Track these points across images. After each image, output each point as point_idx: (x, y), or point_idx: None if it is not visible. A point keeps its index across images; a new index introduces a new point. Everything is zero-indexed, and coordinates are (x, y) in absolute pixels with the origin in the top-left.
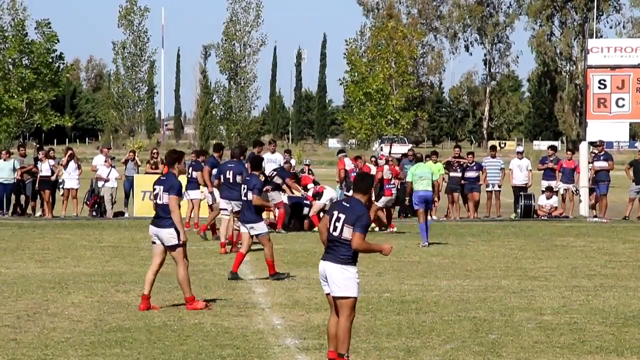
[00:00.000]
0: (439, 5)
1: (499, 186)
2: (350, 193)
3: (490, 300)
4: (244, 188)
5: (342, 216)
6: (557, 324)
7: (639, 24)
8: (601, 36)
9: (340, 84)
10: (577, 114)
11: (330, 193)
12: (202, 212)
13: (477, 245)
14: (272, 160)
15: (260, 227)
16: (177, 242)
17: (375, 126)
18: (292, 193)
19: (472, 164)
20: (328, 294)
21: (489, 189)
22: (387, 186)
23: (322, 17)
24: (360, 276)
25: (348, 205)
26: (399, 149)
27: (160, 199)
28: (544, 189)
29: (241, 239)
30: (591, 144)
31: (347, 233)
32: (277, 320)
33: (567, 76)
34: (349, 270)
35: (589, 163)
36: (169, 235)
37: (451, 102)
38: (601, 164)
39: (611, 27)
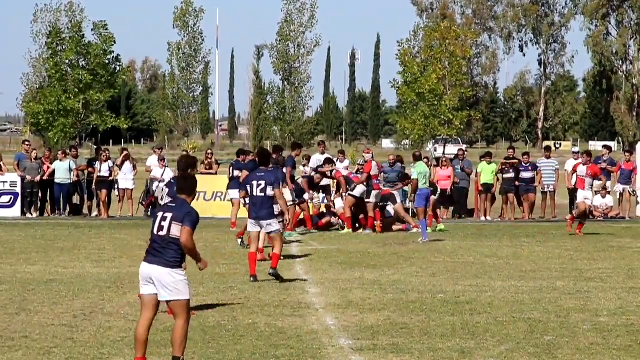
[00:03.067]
0: (493, 6)
1: (554, 187)
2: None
3: (546, 302)
4: (262, 183)
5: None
6: (614, 325)
7: None
8: None
9: (392, 86)
10: (634, 114)
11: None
12: (241, 212)
13: (532, 246)
14: (320, 161)
15: (277, 225)
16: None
17: (428, 127)
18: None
19: (527, 165)
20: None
21: (544, 189)
22: (374, 181)
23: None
24: (414, 277)
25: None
26: (453, 149)
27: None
28: (596, 190)
29: (251, 240)
30: None
31: (176, 230)
32: (330, 321)
33: (624, 76)
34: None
35: None
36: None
37: (505, 103)
38: None
39: None
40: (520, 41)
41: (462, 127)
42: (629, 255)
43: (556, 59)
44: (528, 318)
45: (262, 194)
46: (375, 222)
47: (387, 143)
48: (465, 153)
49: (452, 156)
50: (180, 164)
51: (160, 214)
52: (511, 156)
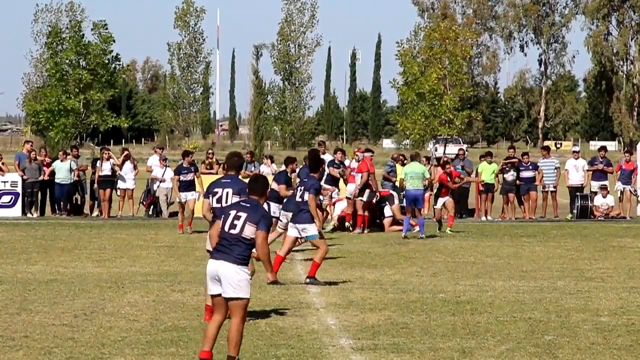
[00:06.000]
0: (494, 5)
1: (554, 186)
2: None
3: (546, 301)
4: (301, 189)
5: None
6: (614, 325)
7: None
8: None
9: (392, 86)
10: (634, 114)
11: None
12: None
13: (533, 246)
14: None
15: (314, 229)
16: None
17: (429, 126)
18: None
19: (528, 164)
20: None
21: (545, 189)
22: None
23: (377, 17)
24: (415, 276)
25: (249, 205)
26: (453, 149)
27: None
28: (596, 190)
29: (283, 240)
30: None
31: (249, 231)
32: (331, 321)
33: (624, 76)
34: (244, 271)
35: None
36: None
37: (506, 102)
38: None
39: None
40: (520, 41)
41: (462, 127)
42: (629, 255)
43: (557, 59)
44: (529, 318)
45: (301, 199)
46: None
47: (387, 143)
48: (466, 153)
49: (453, 156)
50: (230, 162)
51: (233, 212)
52: (512, 156)
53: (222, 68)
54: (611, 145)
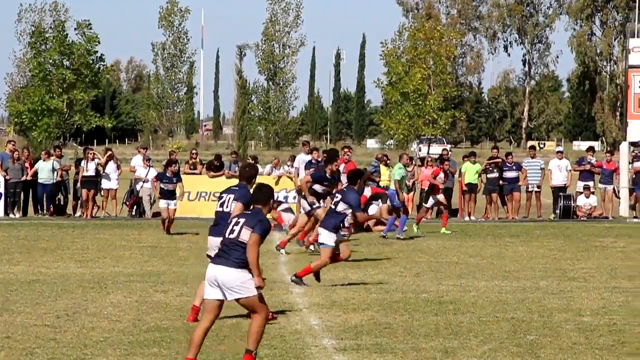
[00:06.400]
0: (478, 5)
1: (539, 187)
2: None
3: (529, 301)
4: (337, 197)
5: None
6: (596, 325)
7: None
8: None
9: (376, 86)
10: (617, 114)
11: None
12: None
13: (516, 246)
14: (305, 161)
15: (327, 238)
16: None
17: (413, 126)
18: None
19: (512, 164)
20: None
21: (529, 189)
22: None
23: (361, 17)
24: (398, 276)
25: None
26: (437, 149)
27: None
28: (581, 190)
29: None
30: (632, 144)
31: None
32: (314, 321)
33: (607, 76)
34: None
35: (629, 163)
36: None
37: (490, 102)
38: None
39: None
40: (504, 41)
41: (446, 127)
42: (611, 255)
43: (540, 59)
44: (511, 318)
45: (334, 207)
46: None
47: (371, 143)
48: (450, 153)
49: (437, 156)
50: (242, 172)
51: (234, 219)
52: (495, 156)
53: (206, 68)
54: (595, 146)
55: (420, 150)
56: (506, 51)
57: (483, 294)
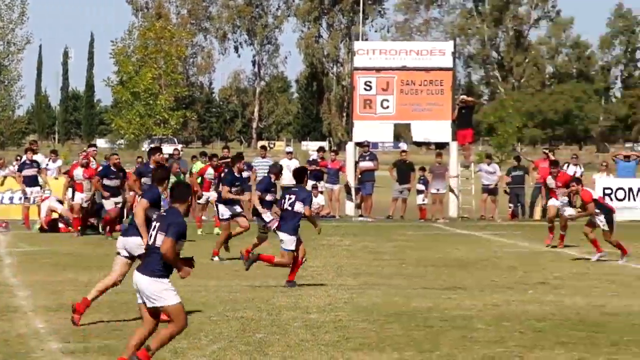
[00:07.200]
0: (208, 6)
1: None
2: None
3: (258, 300)
4: (291, 198)
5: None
6: (323, 322)
7: (402, 28)
8: (367, 39)
9: (106, 85)
10: (344, 115)
11: None
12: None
13: (244, 245)
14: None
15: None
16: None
17: (144, 126)
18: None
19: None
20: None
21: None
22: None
23: (90, 15)
24: (127, 276)
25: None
26: (169, 149)
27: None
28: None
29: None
30: (357, 144)
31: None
32: (40, 324)
33: (334, 78)
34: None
35: (355, 163)
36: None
37: (221, 103)
38: (367, 164)
39: (376, 31)
40: (235, 42)
41: (177, 126)
42: (338, 253)
43: (270, 60)
44: (241, 316)
45: (291, 208)
46: None
47: (101, 142)
48: (181, 152)
49: (167, 156)
50: (157, 175)
51: (154, 223)
52: (226, 156)
53: None
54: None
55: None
56: (237, 52)
57: (214, 293)
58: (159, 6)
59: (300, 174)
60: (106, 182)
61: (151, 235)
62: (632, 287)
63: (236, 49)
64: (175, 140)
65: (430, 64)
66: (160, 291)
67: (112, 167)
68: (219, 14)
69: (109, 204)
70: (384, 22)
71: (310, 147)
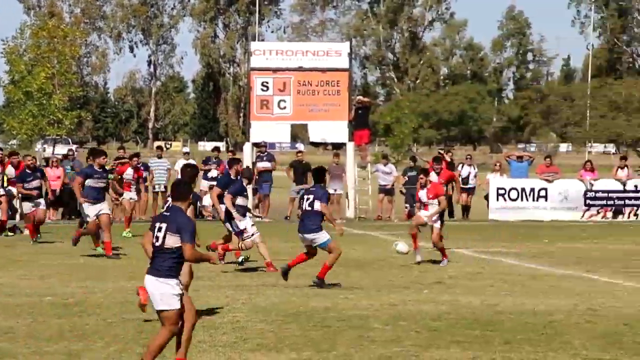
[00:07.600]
0: (102, 5)
1: (165, 187)
2: None
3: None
4: (309, 198)
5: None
6: (220, 323)
7: (298, 28)
8: (263, 40)
9: None
10: (241, 115)
11: None
12: None
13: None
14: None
15: (323, 237)
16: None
17: (37, 126)
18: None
19: (139, 165)
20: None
21: (156, 189)
22: None
23: None
24: (23, 279)
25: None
26: (63, 149)
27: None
28: (206, 189)
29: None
30: (254, 144)
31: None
32: None
33: (231, 78)
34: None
35: (252, 164)
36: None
37: (116, 103)
38: (264, 165)
39: (272, 32)
40: (130, 41)
41: (72, 127)
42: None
43: (166, 60)
44: (137, 319)
45: (311, 208)
46: None
47: None
48: (76, 153)
49: (60, 156)
50: (186, 173)
51: (157, 225)
52: (122, 156)
53: None
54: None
55: (45, 150)
56: (132, 51)
57: (109, 295)
58: (52, 5)
59: (319, 174)
60: (26, 185)
61: (158, 237)
62: (524, 286)
63: (131, 48)
64: (70, 140)
65: (326, 64)
66: (165, 294)
67: (27, 170)
68: (114, 13)
69: (28, 207)
70: (280, 22)
71: (207, 147)
